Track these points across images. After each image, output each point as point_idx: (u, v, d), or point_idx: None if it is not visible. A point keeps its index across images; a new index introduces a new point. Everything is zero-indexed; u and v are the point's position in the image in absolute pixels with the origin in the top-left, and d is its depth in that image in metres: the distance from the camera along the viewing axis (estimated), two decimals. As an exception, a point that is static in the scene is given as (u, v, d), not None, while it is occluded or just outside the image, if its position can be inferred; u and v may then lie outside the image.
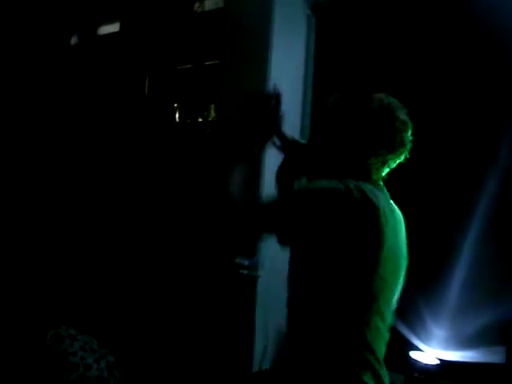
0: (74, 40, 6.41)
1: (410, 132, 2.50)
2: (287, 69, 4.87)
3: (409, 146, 2.50)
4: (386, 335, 2.49)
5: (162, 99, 5.72)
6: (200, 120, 5.40)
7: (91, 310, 5.36)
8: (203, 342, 4.85)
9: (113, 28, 6.09)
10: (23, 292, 5.43)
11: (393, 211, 2.47)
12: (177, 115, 5.61)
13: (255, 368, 4.65)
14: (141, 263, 5.44)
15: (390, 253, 2.37)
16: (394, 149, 2.47)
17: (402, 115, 2.49)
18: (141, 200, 5.64)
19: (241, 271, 4.45)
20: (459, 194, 4.08)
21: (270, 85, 4.61)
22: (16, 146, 6.09)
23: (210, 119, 5.33)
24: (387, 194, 2.53)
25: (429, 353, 3.94)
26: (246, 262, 4.41)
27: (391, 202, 2.52)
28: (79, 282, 5.68)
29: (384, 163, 2.50)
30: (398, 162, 2.53)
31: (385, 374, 2.43)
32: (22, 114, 6.16)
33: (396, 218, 2.47)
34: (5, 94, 6.07)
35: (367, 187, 2.36)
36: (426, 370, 3.75)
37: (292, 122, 4.87)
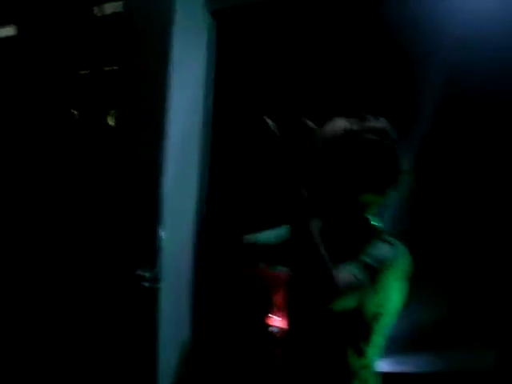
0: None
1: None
2: (188, 76, 4.80)
3: None
4: None
5: (60, 105, 5.54)
6: (99, 126, 5.25)
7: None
8: (104, 356, 4.70)
9: (8, 31, 5.88)
10: None
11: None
12: (75, 121, 5.44)
13: (160, 383, 4.52)
14: (38, 276, 5.25)
15: None
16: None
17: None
18: (38, 208, 5.45)
19: (142, 283, 4.36)
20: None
21: (171, 91, 4.58)
22: None
23: (109, 125, 5.18)
24: None
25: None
26: (147, 274, 4.32)
27: None
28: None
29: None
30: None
31: None
32: None
33: None
34: None
35: None
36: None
37: (192, 128, 4.79)
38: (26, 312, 5.18)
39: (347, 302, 2.11)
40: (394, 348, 3.86)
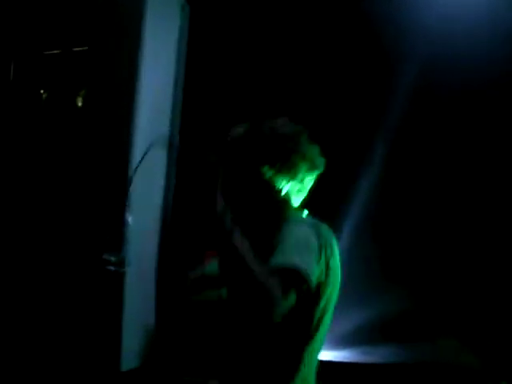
0: None
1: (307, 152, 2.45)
2: (159, 58, 4.77)
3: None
4: None
5: (28, 85, 5.46)
6: (68, 108, 5.18)
7: None
8: (70, 340, 4.68)
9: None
10: None
11: (328, 233, 2.41)
12: (43, 102, 5.37)
13: (124, 367, 4.51)
14: (6, 257, 5.19)
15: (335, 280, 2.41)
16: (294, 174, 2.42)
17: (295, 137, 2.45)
18: (6, 191, 5.38)
19: (108, 267, 4.32)
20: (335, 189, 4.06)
21: (142, 73, 4.54)
22: None
23: (78, 107, 5.11)
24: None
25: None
26: (113, 258, 4.28)
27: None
28: None
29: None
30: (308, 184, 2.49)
31: None
32: None
33: (333, 240, 2.43)
34: None
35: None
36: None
37: (162, 113, 4.76)
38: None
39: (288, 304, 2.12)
40: (360, 339, 3.89)
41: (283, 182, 2.40)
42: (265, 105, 4.40)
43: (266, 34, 4.56)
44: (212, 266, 2.69)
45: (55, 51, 5.35)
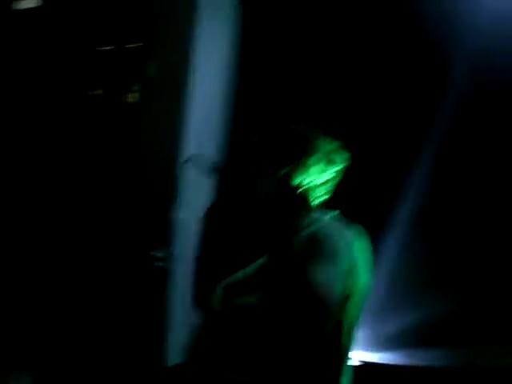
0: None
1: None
2: (212, 55, 4.77)
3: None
4: None
5: (81, 82, 5.53)
6: (120, 104, 5.23)
7: None
8: (116, 335, 4.71)
9: (30, 3, 5.84)
10: None
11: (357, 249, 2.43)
12: (97, 98, 5.43)
13: (168, 362, 4.54)
14: (52, 255, 5.25)
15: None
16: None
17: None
18: (58, 187, 5.45)
19: (155, 263, 4.36)
20: (384, 191, 4.04)
21: (195, 70, 4.57)
22: None
23: (130, 103, 5.17)
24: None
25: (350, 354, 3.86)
26: (161, 255, 4.32)
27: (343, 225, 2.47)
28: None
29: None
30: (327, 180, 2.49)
31: None
32: None
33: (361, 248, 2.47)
34: None
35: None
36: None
37: (214, 110, 4.78)
38: (42, 295, 5.20)
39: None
40: (405, 341, 3.87)
41: (299, 179, 2.42)
42: (316, 103, 4.40)
43: (318, 34, 4.54)
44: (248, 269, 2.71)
45: (108, 47, 5.41)
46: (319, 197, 2.48)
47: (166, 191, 4.47)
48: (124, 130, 5.08)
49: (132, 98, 5.17)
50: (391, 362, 3.83)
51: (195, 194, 4.54)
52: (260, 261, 2.49)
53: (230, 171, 2.51)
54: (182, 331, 4.66)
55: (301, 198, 2.44)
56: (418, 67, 4.29)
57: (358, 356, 3.87)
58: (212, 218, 2.61)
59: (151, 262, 4.36)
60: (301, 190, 2.43)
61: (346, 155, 2.49)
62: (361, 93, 4.33)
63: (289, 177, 2.43)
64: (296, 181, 2.42)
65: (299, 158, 2.43)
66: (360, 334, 3.92)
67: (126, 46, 5.27)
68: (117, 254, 4.72)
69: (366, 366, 3.87)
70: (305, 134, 2.47)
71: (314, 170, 2.43)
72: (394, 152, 4.19)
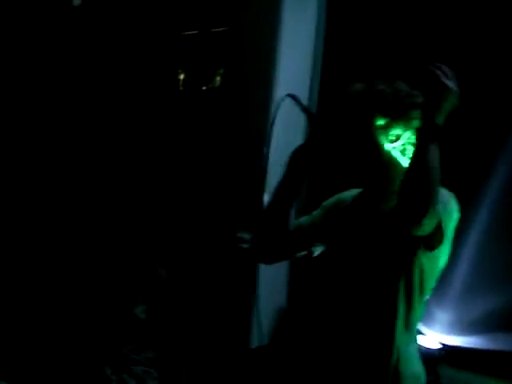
0: (76, 1, 6.25)
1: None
2: (297, 38, 4.79)
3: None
4: None
5: (167, 66, 5.60)
6: (204, 88, 5.29)
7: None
8: (202, 317, 4.79)
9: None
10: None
11: None
12: (181, 83, 5.50)
13: (253, 343, 4.61)
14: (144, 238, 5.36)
15: None
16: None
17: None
18: (143, 169, 5.55)
19: (242, 245, 4.39)
20: (467, 181, 4.00)
21: (279, 53, 4.59)
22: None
23: (215, 87, 5.22)
24: None
25: (431, 337, 3.88)
26: (247, 236, 4.35)
27: None
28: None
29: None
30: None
31: None
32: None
33: None
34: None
35: None
36: (427, 354, 3.67)
37: (300, 91, 4.79)
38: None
39: (429, 226, 2.17)
40: (489, 325, 3.86)
41: (398, 131, 2.41)
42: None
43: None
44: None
45: (193, 32, 5.47)
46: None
47: (254, 174, 4.52)
48: (211, 114, 5.14)
49: (217, 81, 5.22)
50: (475, 346, 3.84)
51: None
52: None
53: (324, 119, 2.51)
54: (267, 313, 4.71)
55: (395, 154, 2.44)
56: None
57: (441, 340, 3.88)
58: (297, 160, 2.60)
59: (237, 244, 4.40)
60: (398, 144, 2.42)
61: None
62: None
63: (389, 129, 2.43)
64: (394, 133, 2.42)
65: (406, 110, 2.42)
66: (443, 318, 3.96)
67: (211, 31, 5.33)
68: (203, 235, 4.78)
69: (450, 349, 3.88)
70: (408, 89, 2.44)
71: (414, 123, 2.40)
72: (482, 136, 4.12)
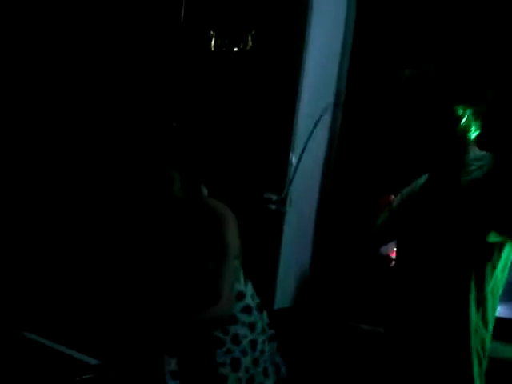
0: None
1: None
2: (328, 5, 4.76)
3: None
4: None
5: (198, 26, 5.56)
6: (236, 49, 5.25)
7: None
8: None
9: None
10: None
11: None
12: (212, 43, 5.46)
13: (276, 305, 4.61)
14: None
15: None
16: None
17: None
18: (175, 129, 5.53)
19: (269, 206, 4.39)
20: None
21: (312, 15, 4.55)
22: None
23: (247, 49, 5.18)
24: None
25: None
26: (274, 197, 4.35)
27: None
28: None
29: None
30: None
31: None
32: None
33: None
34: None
35: None
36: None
37: (329, 58, 4.79)
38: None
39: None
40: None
41: (462, 109, 2.41)
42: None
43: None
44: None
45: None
46: (474, 132, 2.49)
47: (283, 135, 4.50)
48: (241, 75, 5.11)
49: (249, 42, 5.19)
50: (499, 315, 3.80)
51: (311, 138, 4.55)
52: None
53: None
54: (291, 275, 4.71)
55: (461, 131, 2.46)
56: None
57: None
58: None
59: (265, 205, 4.40)
60: (463, 121, 2.44)
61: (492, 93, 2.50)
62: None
63: (455, 108, 2.43)
64: (460, 111, 2.43)
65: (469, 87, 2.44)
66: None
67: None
68: (231, 196, 4.77)
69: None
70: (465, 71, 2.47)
71: (481, 100, 2.45)
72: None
